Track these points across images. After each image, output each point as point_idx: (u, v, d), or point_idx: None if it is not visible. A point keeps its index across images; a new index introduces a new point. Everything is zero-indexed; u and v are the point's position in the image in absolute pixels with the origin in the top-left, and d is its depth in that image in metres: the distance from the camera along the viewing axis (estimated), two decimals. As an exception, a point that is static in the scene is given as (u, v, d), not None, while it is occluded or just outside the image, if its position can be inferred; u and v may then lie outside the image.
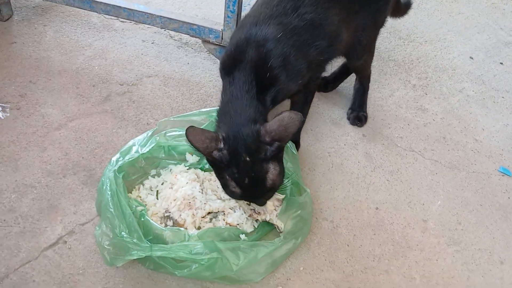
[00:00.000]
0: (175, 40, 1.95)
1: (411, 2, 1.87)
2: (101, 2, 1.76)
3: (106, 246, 1.15)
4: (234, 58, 1.33)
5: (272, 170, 1.24)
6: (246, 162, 1.20)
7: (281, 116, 1.20)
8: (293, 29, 1.33)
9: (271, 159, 1.23)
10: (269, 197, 1.30)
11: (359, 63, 1.63)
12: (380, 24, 1.59)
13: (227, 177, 1.24)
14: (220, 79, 1.73)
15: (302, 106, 1.52)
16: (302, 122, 1.53)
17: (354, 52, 1.55)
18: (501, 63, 2.09)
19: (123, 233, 1.14)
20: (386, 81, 1.90)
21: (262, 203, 1.30)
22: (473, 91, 1.93)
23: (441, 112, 1.81)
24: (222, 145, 1.21)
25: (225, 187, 1.27)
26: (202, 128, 1.24)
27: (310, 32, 1.35)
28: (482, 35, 2.23)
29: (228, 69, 1.34)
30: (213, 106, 1.68)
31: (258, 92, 1.29)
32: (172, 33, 1.96)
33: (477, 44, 2.17)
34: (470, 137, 1.73)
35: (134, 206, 1.27)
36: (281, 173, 1.27)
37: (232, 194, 1.27)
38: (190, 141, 1.19)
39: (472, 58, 2.10)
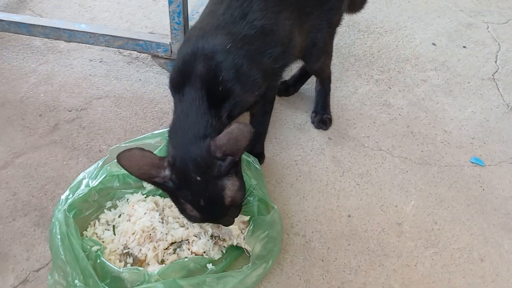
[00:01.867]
0: (124, 56, 1.85)
1: None
2: (38, 25, 1.65)
3: (60, 297, 1.06)
4: (182, 74, 1.24)
5: (229, 186, 1.15)
6: (198, 182, 1.11)
7: (230, 128, 1.11)
8: (243, 38, 1.24)
9: (226, 175, 1.14)
10: (234, 215, 1.21)
11: (318, 65, 1.55)
12: (336, 23, 1.52)
13: (182, 200, 1.15)
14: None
15: (261, 117, 1.45)
16: (257, 133, 1.47)
17: (311, 55, 1.48)
18: (464, 47, 2.04)
19: (76, 281, 1.05)
20: (348, 78, 1.84)
21: (228, 222, 1.20)
22: (438, 79, 1.88)
23: (407, 105, 1.76)
24: (166, 171, 1.12)
25: (183, 211, 1.17)
26: (141, 151, 1.11)
27: (262, 40, 1.27)
28: (443, 19, 2.18)
29: (177, 86, 1.25)
30: (169, 124, 1.58)
31: (210, 107, 1.20)
32: (121, 49, 1.86)
33: (438, 29, 2.12)
34: (439, 129, 1.68)
35: (89, 247, 1.17)
36: (241, 187, 1.18)
37: (191, 219, 1.18)
38: (124, 168, 1.09)
39: (434, 44, 2.04)
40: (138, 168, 1.10)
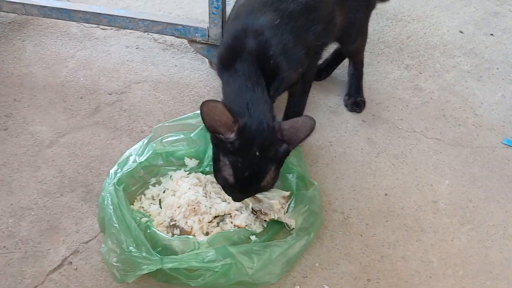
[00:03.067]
0: (160, 43, 1.89)
1: None
2: (79, 11, 1.69)
3: (114, 263, 1.10)
4: (232, 50, 1.26)
5: (271, 173, 1.19)
6: (254, 156, 1.15)
7: (297, 118, 1.18)
8: (289, 15, 1.27)
9: (275, 161, 1.19)
10: (251, 196, 1.26)
11: (353, 46, 1.59)
12: (372, 5, 1.56)
13: (227, 162, 1.17)
14: (212, 80, 1.69)
15: (299, 96, 1.49)
16: (294, 112, 1.51)
17: (348, 35, 1.51)
18: (492, 34, 2.06)
19: (130, 247, 1.09)
20: (379, 64, 1.87)
21: (239, 199, 1.25)
22: (466, 65, 1.90)
23: (438, 90, 1.78)
24: (233, 135, 1.14)
25: (219, 171, 1.20)
26: (223, 107, 1.13)
27: (306, 16, 1.30)
28: (469, 8, 2.20)
29: (227, 63, 1.27)
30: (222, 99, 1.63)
31: (266, 82, 1.24)
32: (156, 36, 1.90)
33: (465, 17, 2.14)
34: (469, 112, 1.70)
35: (138, 218, 1.22)
36: (275, 179, 1.23)
37: (221, 180, 1.21)
38: (201, 114, 1.11)
39: (462, 32, 2.07)
40: (212, 120, 1.12)
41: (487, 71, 1.88)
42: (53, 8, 1.71)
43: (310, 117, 1.17)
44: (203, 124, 1.13)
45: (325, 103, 1.70)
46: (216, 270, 1.09)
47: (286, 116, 1.52)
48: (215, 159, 1.22)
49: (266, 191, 1.25)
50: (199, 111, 1.41)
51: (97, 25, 1.90)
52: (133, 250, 1.08)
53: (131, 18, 1.67)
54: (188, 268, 1.10)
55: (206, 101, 1.10)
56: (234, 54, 1.24)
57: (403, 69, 1.85)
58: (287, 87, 1.37)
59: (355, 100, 1.66)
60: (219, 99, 1.61)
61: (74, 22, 1.89)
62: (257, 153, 1.15)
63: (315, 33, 1.31)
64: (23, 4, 1.74)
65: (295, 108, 1.50)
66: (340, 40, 1.54)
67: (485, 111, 1.71)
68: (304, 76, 1.40)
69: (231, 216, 1.29)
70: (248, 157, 1.15)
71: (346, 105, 1.68)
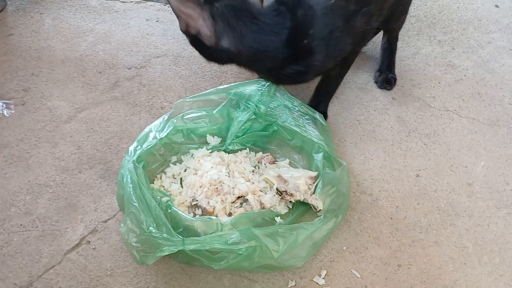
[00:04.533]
0: (181, 16, 1.82)
1: None
2: (98, -18, 1.63)
3: (134, 244, 1.05)
4: (283, 3, 1.20)
5: None
6: None
7: None
8: None
9: None
10: None
11: (397, 24, 1.50)
12: None
13: None
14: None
15: (335, 78, 1.42)
16: (325, 92, 1.44)
17: (394, 15, 1.42)
18: (529, 8, 1.95)
19: (151, 228, 1.04)
20: (409, 39, 1.78)
21: None
22: (502, 41, 1.80)
23: (472, 67, 1.69)
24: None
25: None
26: None
27: None
28: (505, -19, 2.08)
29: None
30: (228, 82, 1.57)
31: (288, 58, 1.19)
32: (177, 8, 1.83)
33: (501, -10, 2.03)
34: (506, 91, 1.61)
35: (158, 197, 1.17)
36: None
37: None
38: None
39: (497, 6, 1.96)
40: None
41: (525, 47, 1.77)
42: (71, -21, 1.65)
43: None
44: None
45: (353, 79, 1.62)
46: (240, 252, 1.03)
47: (316, 94, 1.45)
48: None
49: None
50: (221, 87, 1.38)
51: (116, -3, 1.84)
52: (153, 231, 1.04)
53: (152, -11, 1.60)
54: (210, 250, 1.05)
55: None
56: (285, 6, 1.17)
57: (435, 45, 1.76)
58: (318, 75, 1.29)
59: (386, 77, 1.57)
60: (244, 74, 1.57)
61: (93, -6, 1.84)
62: None
63: (366, 15, 1.21)
64: (40, -25, 1.68)
65: (328, 88, 1.43)
66: (384, 21, 1.44)
67: (523, 90, 1.61)
68: (345, 61, 1.32)
69: (255, 195, 1.24)
70: None
71: (376, 82, 1.59)
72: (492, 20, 1.89)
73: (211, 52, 1.21)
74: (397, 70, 1.63)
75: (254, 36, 1.16)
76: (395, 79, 1.58)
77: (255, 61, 1.22)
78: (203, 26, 1.14)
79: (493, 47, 1.77)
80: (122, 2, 1.87)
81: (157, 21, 1.80)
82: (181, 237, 1.04)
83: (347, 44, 1.22)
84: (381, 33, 1.61)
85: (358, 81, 1.61)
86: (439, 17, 1.88)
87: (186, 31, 1.18)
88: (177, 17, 1.15)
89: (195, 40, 1.19)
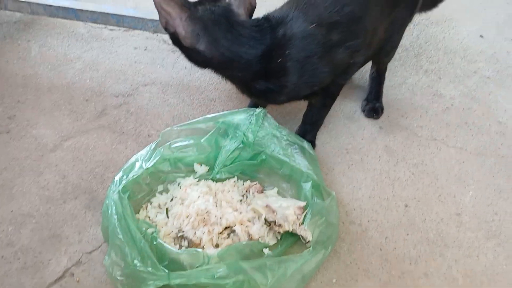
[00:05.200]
0: (169, 44, 1.81)
1: None
2: (87, 10, 1.64)
3: (118, 277, 1.03)
4: (267, 21, 1.23)
5: None
6: None
7: None
8: (331, 25, 1.20)
9: None
10: None
11: (386, 60, 1.52)
12: (413, 16, 1.46)
13: None
14: (223, 83, 1.62)
15: (318, 109, 1.41)
16: (311, 122, 1.44)
17: (383, 50, 1.44)
18: (513, 39, 1.98)
19: (135, 261, 1.02)
20: (396, 69, 1.79)
21: None
22: (488, 71, 1.82)
23: (459, 96, 1.70)
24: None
25: None
26: None
27: (346, 28, 1.21)
28: (489, 12, 2.12)
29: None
30: (216, 111, 1.57)
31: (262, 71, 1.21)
32: (165, 37, 1.84)
33: (485, 21, 2.06)
34: (493, 120, 1.62)
35: (144, 228, 1.15)
36: None
37: None
38: None
39: (482, 36, 1.99)
40: None
41: (509, 77, 1.79)
42: (60, 7, 1.66)
43: None
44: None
45: (340, 108, 1.62)
46: (227, 287, 1.01)
47: (302, 122, 1.45)
48: None
49: None
50: (209, 115, 1.37)
51: (104, 26, 1.84)
52: (138, 264, 1.01)
53: (140, 18, 1.61)
54: (197, 284, 1.02)
55: None
56: (267, 23, 1.21)
57: (421, 74, 1.78)
58: (290, 100, 1.30)
59: (374, 106, 1.58)
60: (232, 103, 1.57)
61: (81, 22, 1.84)
62: None
63: (350, 49, 1.22)
64: (29, 2, 1.69)
65: (312, 117, 1.43)
66: (372, 56, 1.45)
67: (509, 119, 1.62)
68: (326, 91, 1.32)
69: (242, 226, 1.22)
70: None
71: (363, 111, 1.60)
72: (477, 50, 1.92)
73: (189, 53, 1.24)
74: (384, 99, 1.63)
75: (228, 44, 1.18)
76: (382, 108, 1.59)
77: (227, 68, 1.25)
78: (179, 25, 1.18)
79: (479, 77, 1.79)
80: (110, 30, 1.87)
81: (145, 50, 1.80)
82: (166, 270, 1.02)
83: (324, 73, 1.22)
84: (369, 63, 1.62)
85: (346, 110, 1.62)
86: (425, 46, 1.91)
87: (165, 27, 1.21)
88: (158, 13, 1.18)
89: (175, 38, 1.22)
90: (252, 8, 1.25)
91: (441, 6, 2.09)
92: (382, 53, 1.47)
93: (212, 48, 1.19)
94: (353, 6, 1.21)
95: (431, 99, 1.68)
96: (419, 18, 2.04)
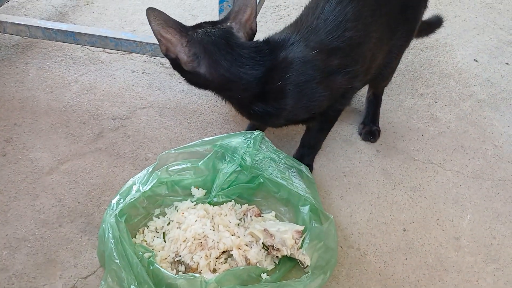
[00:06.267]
0: (167, 67, 1.84)
1: (442, 20, 1.74)
2: (85, 34, 1.64)
3: (114, 303, 1.01)
4: (267, 44, 1.24)
5: None
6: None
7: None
8: (331, 50, 1.21)
9: None
10: None
11: (383, 85, 1.53)
12: (410, 42, 1.48)
13: None
14: (220, 106, 1.63)
15: (316, 132, 1.41)
16: (309, 145, 1.44)
17: (380, 75, 1.45)
18: (507, 63, 2.00)
19: (132, 286, 1.01)
20: (392, 92, 1.80)
21: None
22: (483, 94, 1.84)
23: (455, 120, 1.71)
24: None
25: None
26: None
27: (345, 54, 1.23)
28: (482, 37, 2.15)
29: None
30: (214, 134, 1.57)
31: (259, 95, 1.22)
32: (163, 60, 1.85)
33: (479, 46, 2.09)
34: (489, 143, 1.63)
35: (140, 253, 1.13)
36: None
37: None
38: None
39: (476, 60, 2.01)
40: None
41: (504, 100, 1.81)
42: (58, 31, 1.66)
43: None
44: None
45: (337, 131, 1.63)
46: (225, 313, 1.00)
47: (300, 146, 1.45)
48: None
49: None
50: (207, 139, 1.37)
51: (102, 49, 1.85)
52: (135, 290, 1.00)
53: (138, 41, 1.62)
54: (194, 310, 1.01)
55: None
56: (267, 46, 1.22)
57: (417, 98, 1.79)
58: (288, 124, 1.31)
59: (370, 129, 1.58)
60: (229, 126, 1.57)
61: (79, 46, 1.85)
62: None
63: (349, 74, 1.23)
64: (27, 26, 1.69)
65: (310, 141, 1.43)
66: (370, 80, 1.46)
67: (505, 142, 1.63)
68: (325, 115, 1.33)
69: (240, 251, 1.21)
70: None
71: (360, 134, 1.60)
72: (472, 74, 1.94)
73: (190, 77, 1.25)
74: (380, 123, 1.64)
75: (227, 65, 1.19)
76: (379, 132, 1.60)
77: (227, 90, 1.25)
78: (181, 51, 1.19)
79: (474, 100, 1.80)
80: (108, 53, 1.88)
81: (143, 73, 1.81)
82: (164, 296, 1.00)
83: (323, 97, 1.23)
84: (366, 86, 1.63)
85: (343, 133, 1.62)
86: (420, 70, 1.93)
87: (166, 54, 1.22)
88: (158, 41, 1.19)
89: (176, 64, 1.23)
90: (252, 33, 1.26)
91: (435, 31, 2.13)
92: (380, 78, 1.48)
93: (212, 69, 1.19)
94: (354, 32, 1.22)
95: (427, 123, 1.69)
96: (414, 43, 2.06)
